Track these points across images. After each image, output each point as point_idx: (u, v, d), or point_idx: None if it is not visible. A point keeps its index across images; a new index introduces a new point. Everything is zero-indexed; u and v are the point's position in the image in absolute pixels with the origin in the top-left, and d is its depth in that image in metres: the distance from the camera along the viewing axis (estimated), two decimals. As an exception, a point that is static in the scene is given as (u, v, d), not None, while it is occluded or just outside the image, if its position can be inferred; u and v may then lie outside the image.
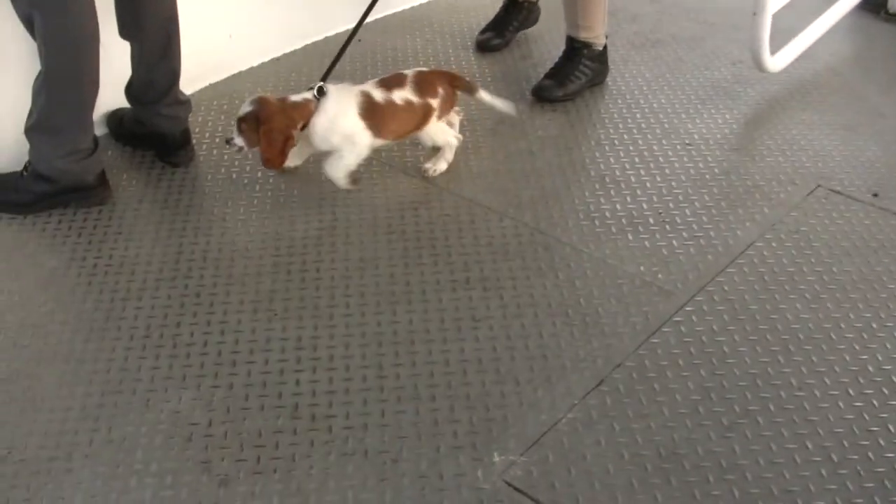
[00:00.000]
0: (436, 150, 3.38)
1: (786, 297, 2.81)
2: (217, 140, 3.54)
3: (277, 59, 4.10)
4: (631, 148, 3.49)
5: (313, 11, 4.12)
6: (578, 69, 3.84)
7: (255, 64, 4.03)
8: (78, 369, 2.60)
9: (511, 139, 3.55)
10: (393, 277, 2.90)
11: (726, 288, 2.85)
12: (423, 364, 2.59)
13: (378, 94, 3.19)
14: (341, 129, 3.15)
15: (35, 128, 3.05)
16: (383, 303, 2.80)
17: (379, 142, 3.24)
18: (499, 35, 4.17)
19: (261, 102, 3.09)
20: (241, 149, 3.14)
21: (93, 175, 3.19)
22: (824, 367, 2.57)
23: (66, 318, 2.77)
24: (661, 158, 3.43)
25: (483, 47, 4.19)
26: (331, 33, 4.27)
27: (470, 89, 3.38)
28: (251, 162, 3.40)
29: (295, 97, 3.14)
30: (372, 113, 3.17)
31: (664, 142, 3.53)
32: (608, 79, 3.96)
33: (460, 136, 3.41)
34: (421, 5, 4.56)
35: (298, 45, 4.18)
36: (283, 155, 3.12)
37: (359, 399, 2.48)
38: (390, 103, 3.19)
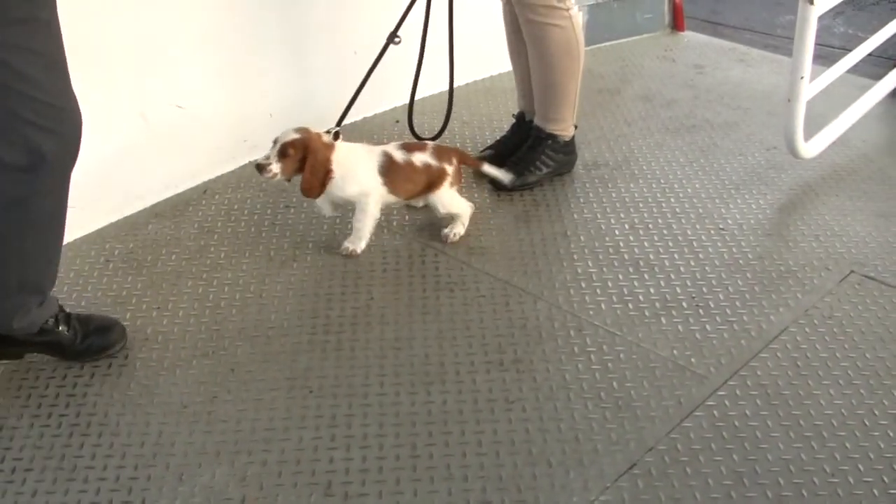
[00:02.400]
0: (451, 219, 3.49)
1: (819, 383, 2.80)
2: (256, 217, 3.58)
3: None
4: (665, 232, 3.51)
5: (352, 91, 4.18)
6: (540, 159, 3.82)
7: (294, 143, 4.09)
8: (112, 441, 2.62)
9: (546, 222, 3.57)
10: (427, 358, 2.91)
11: (759, 373, 2.85)
12: (456, 444, 2.59)
13: (398, 154, 3.36)
14: (355, 179, 3.32)
15: None
16: (417, 383, 2.81)
17: (392, 199, 3.40)
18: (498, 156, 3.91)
19: (307, 132, 3.23)
20: (274, 175, 3.20)
21: None
22: (858, 454, 2.55)
23: (101, 391, 2.80)
24: (694, 243, 3.45)
25: None
26: (369, 114, 4.33)
27: (475, 164, 3.59)
28: (289, 239, 3.45)
29: (325, 137, 3.30)
30: (389, 171, 3.33)
31: (698, 226, 3.55)
32: (643, 163, 3.99)
33: (472, 205, 3.53)
34: (458, 87, 4.61)
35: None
36: (323, 186, 3.27)
37: (392, 478, 2.49)
38: (408, 163, 3.36)
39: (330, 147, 3.27)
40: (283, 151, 3.18)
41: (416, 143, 3.48)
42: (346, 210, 3.44)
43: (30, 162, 2.44)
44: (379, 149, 3.38)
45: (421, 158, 3.37)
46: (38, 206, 2.56)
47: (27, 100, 2.36)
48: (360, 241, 3.40)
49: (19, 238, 2.59)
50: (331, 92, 3.97)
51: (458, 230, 3.47)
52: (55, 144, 2.45)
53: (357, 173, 3.31)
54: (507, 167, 3.80)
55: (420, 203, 3.51)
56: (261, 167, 3.19)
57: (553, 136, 3.82)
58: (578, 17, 3.67)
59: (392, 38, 3.46)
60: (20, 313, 2.71)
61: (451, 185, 3.41)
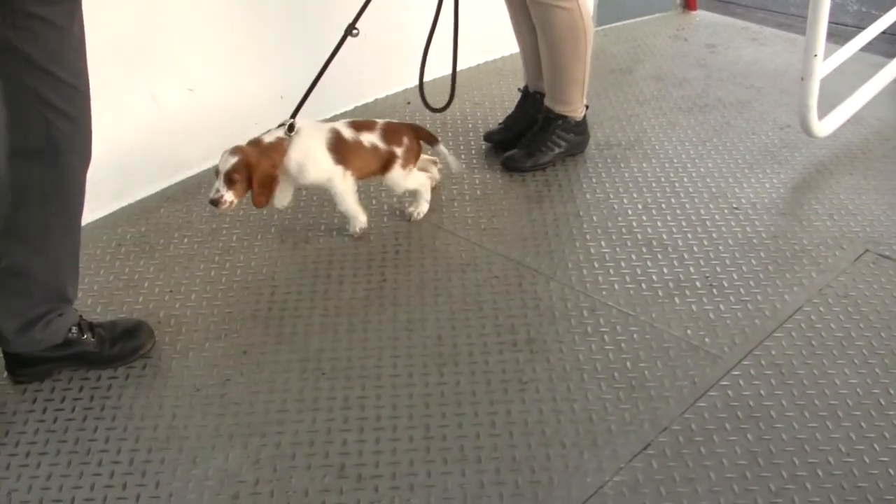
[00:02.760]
0: (413, 195, 3.53)
1: (834, 363, 2.79)
2: (267, 200, 3.58)
3: (328, 120, 4.14)
4: (678, 212, 3.50)
5: (364, 73, 4.18)
6: (551, 140, 3.83)
7: (305, 125, 4.08)
8: (126, 424, 2.62)
9: (559, 203, 3.56)
10: (440, 339, 2.91)
11: (774, 353, 2.84)
12: (470, 426, 2.59)
13: (346, 132, 3.32)
14: (314, 162, 3.26)
15: None
16: (430, 364, 2.81)
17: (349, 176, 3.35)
18: (509, 131, 4.02)
19: (243, 151, 3.15)
20: (230, 204, 3.13)
21: None
22: (873, 434, 2.54)
23: (114, 374, 2.80)
24: (708, 222, 3.43)
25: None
26: (381, 95, 4.33)
27: (430, 140, 3.51)
28: (301, 222, 3.45)
29: (268, 137, 3.24)
30: (338, 147, 3.29)
31: (711, 206, 3.53)
32: (656, 143, 3.98)
33: (437, 177, 3.61)
34: (469, 68, 4.61)
35: (349, 107, 4.24)
36: (271, 194, 3.22)
37: (405, 460, 2.49)
38: (357, 142, 3.32)
39: (274, 149, 3.21)
40: (230, 179, 3.11)
41: (365, 121, 3.42)
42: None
43: (47, 148, 2.41)
44: (328, 126, 3.36)
45: (369, 138, 3.33)
46: (57, 199, 2.53)
47: (51, 79, 2.34)
48: (355, 219, 3.40)
49: (41, 236, 2.56)
50: (339, 72, 3.96)
51: (422, 208, 3.50)
52: (70, 129, 2.43)
53: (314, 159, 3.27)
54: (520, 147, 3.81)
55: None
56: (216, 202, 3.12)
57: (563, 117, 3.81)
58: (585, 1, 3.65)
59: (350, 30, 3.38)
60: (41, 324, 2.68)
61: (403, 166, 3.38)
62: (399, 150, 3.35)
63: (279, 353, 2.87)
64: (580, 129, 3.89)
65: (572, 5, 3.57)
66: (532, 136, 3.86)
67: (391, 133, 3.36)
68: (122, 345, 2.84)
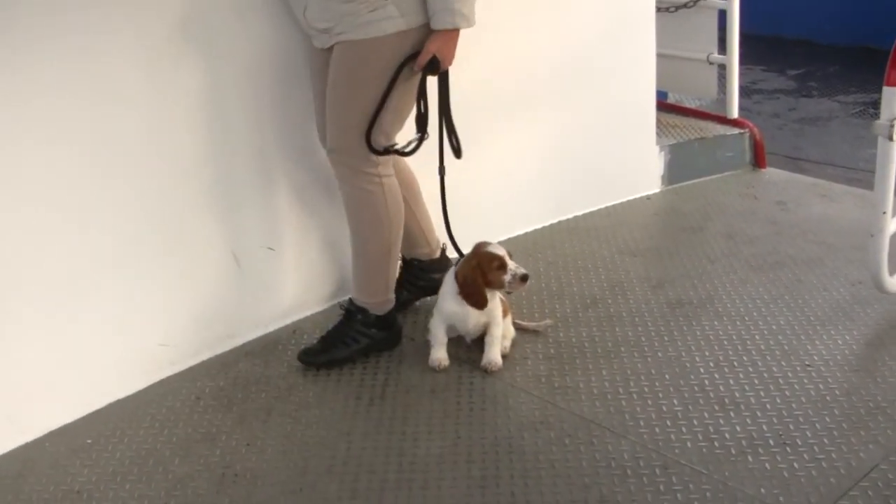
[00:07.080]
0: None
1: (911, 523, 2.77)
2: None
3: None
4: (750, 369, 3.50)
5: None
6: (350, 335, 3.62)
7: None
8: (204, 580, 2.66)
9: (630, 361, 3.59)
10: (513, 497, 2.91)
11: (849, 512, 2.82)
12: (543, 584, 2.59)
13: None
14: None
15: None
16: (503, 521, 2.82)
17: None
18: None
19: None
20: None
21: None
22: None
23: (193, 528, 2.85)
24: (780, 380, 3.43)
25: None
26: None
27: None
28: (377, 378, 3.51)
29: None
30: None
31: (783, 363, 3.54)
32: (727, 300, 4.00)
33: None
34: (543, 227, 4.68)
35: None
36: None
37: None
38: None
39: None
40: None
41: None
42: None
43: None
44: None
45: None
46: None
47: None
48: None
49: None
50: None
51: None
52: None
53: None
54: (319, 340, 3.67)
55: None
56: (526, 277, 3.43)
57: (364, 310, 3.63)
58: (393, 185, 3.51)
59: (441, 171, 3.50)
60: None
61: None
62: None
63: (354, 509, 2.90)
64: (384, 324, 3.67)
65: (375, 188, 3.45)
66: (333, 328, 3.67)
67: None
68: None
